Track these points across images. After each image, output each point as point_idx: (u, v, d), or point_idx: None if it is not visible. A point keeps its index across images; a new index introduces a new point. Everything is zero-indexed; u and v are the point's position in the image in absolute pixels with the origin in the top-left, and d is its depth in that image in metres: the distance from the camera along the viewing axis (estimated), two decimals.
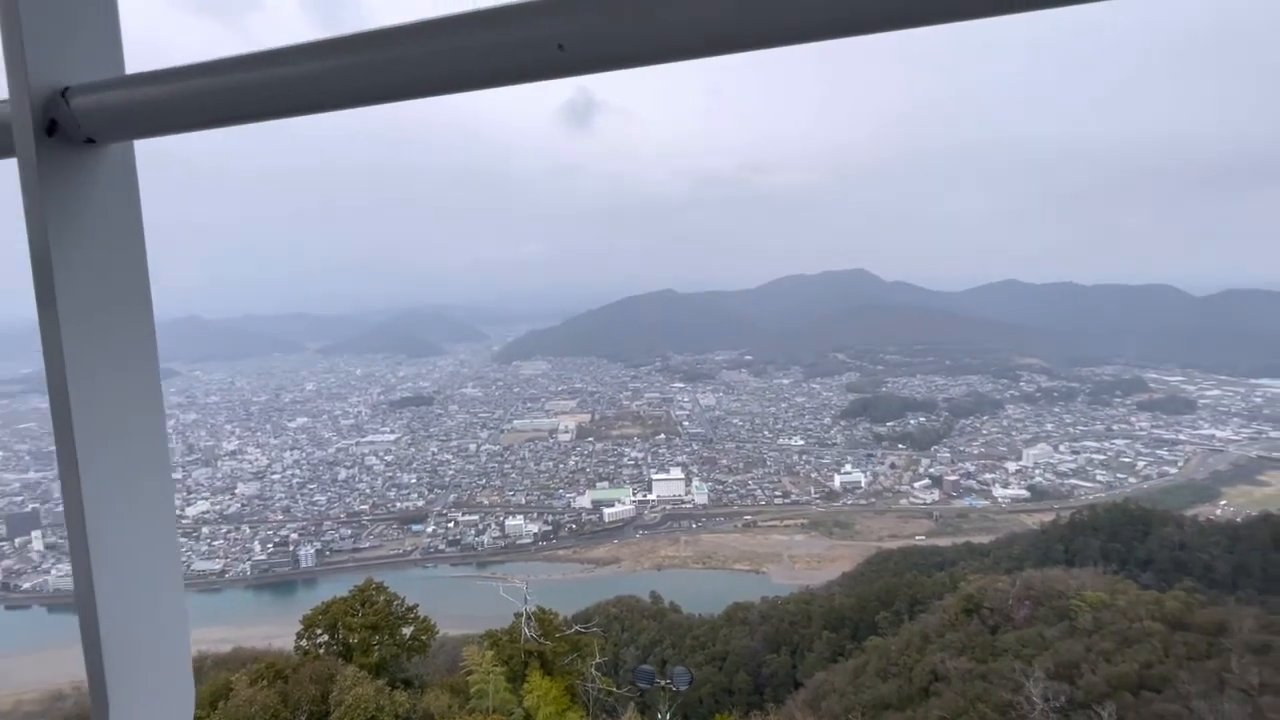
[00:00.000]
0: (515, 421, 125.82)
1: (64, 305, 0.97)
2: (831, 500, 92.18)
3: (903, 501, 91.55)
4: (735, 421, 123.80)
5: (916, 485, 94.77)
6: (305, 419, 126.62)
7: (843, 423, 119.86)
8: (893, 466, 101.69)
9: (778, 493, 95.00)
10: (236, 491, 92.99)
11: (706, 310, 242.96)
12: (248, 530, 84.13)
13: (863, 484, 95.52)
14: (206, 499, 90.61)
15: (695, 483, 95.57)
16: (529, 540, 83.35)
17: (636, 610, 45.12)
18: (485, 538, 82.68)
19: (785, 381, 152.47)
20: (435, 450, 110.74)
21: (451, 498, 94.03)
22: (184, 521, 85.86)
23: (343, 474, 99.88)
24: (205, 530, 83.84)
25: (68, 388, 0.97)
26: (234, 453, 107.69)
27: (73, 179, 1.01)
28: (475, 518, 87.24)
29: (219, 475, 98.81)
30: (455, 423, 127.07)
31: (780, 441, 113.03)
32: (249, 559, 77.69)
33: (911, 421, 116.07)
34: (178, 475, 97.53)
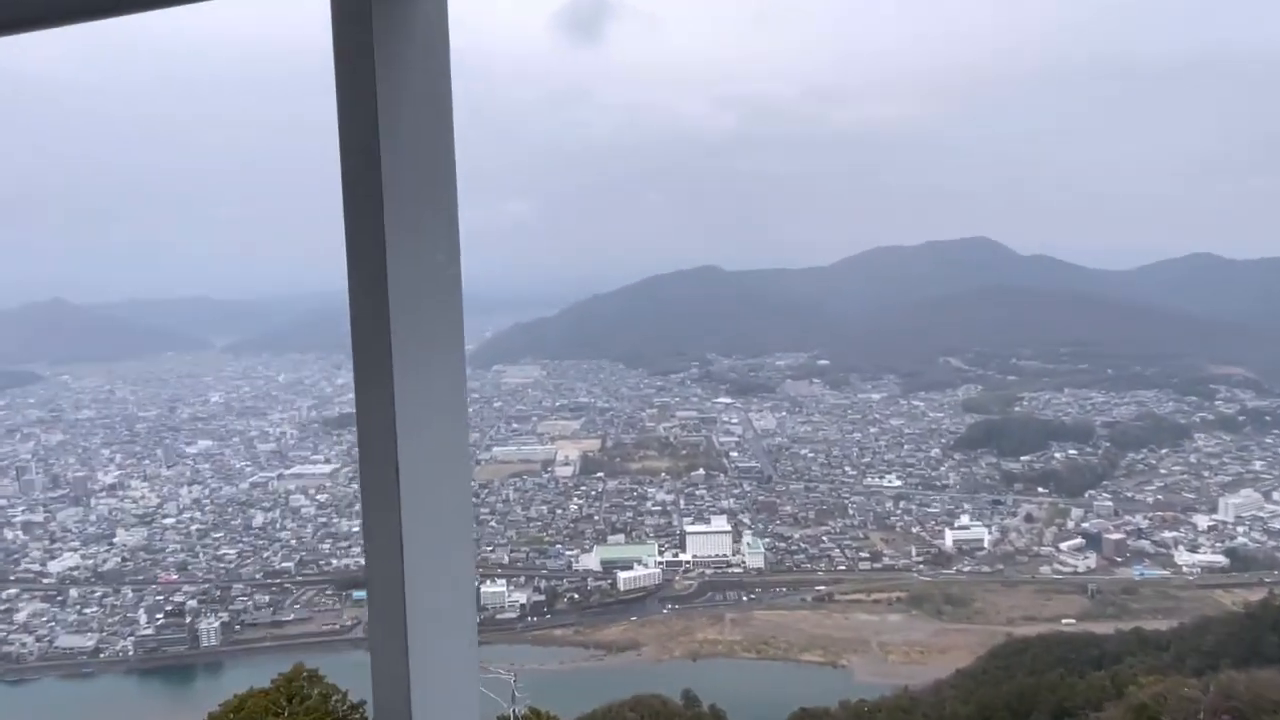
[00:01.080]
0: (495, 449, 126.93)
1: None
2: (941, 565, 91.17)
3: (1044, 569, 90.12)
4: (804, 453, 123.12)
5: (1064, 546, 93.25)
6: (209, 442, 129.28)
7: (957, 456, 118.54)
8: (1029, 520, 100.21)
9: (864, 554, 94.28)
10: (116, 540, 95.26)
11: (764, 296, 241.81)
12: (130, 594, 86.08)
13: (986, 544, 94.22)
14: (76, 550, 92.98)
15: (747, 538, 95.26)
16: (514, 614, 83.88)
17: (663, 715, 45.13)
18: None
19: (875, 396, 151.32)
20: None
21: None
22: (45, 580, 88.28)
23: (259, 519, 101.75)
24: (74, 593, 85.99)
25: None
26: (113, 487, 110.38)
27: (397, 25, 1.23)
28: None
29: (92, 518, 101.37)
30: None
31: (868, 481, 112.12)
32: (132, 634, 79.49)
33: (1057, 455, 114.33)
34: (36, 517, 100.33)
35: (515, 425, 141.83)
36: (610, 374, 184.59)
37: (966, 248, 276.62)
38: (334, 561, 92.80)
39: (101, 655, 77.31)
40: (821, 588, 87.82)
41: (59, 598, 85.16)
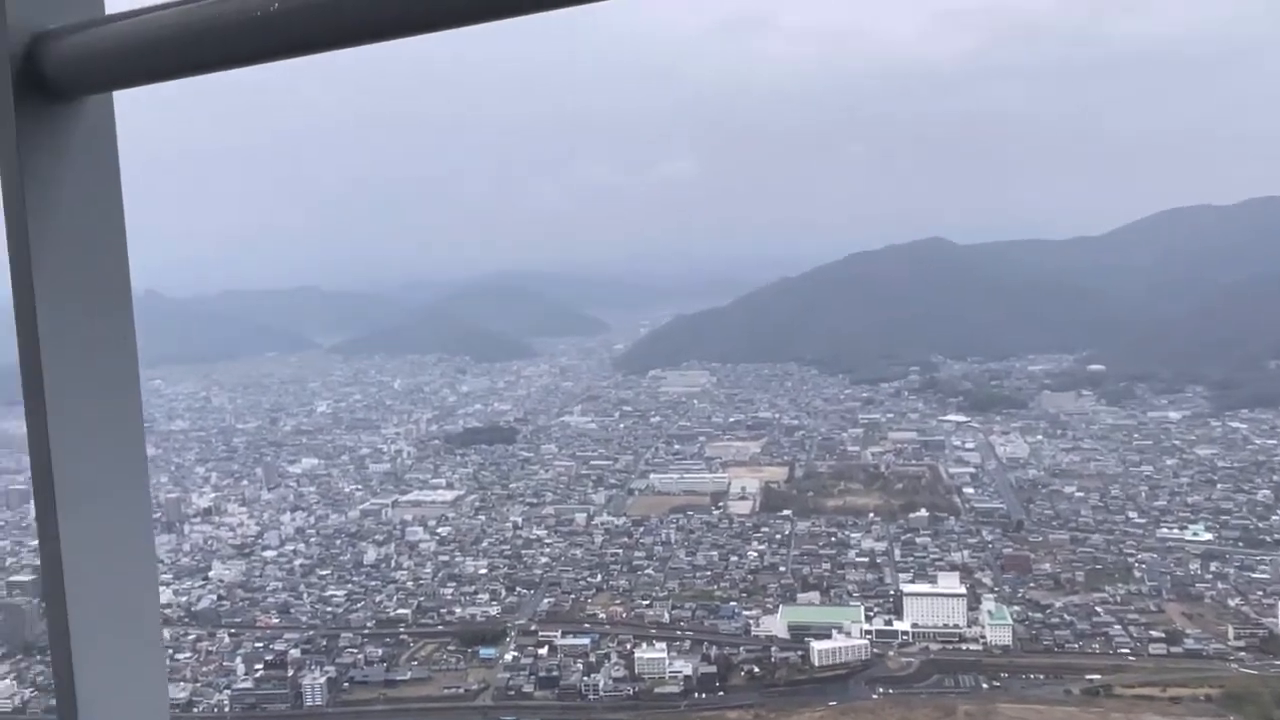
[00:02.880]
0: (653, 476, 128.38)
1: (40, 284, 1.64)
2: (1273, 654, 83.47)
3: None
4: (1069, 491, 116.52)
5: None
6: (314, 460, 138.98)
7: None
8: None
9: (1156, 632, 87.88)
10: (211, 575, 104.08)
11: (1011, 277, 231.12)
12: (228, 640, 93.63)
13: None
14: (168, 583, 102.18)
15: (988, 605, 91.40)
16: (676, 687, 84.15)
17: None
18: (601, 678, 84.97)
19: (1174, 415, 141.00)
20: (519, 520, 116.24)
21: (544, 604, 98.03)
22: None
23: (371, 554, 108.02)
24: (166, 634, 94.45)
25: (43, 378, 1.69)
26: (208, 512, 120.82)
27: (56, 148, 1.57)
28: (584, 642, 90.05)
29: (185, 547, 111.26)
30: (551, 473, 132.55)
31: (1163, 533, 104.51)
32: (229, 686, 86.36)
33: None
34: None
35: (678, 447, 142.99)
36: (800, 381, 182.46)
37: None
38: (457, 610, 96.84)
39: (195, 709, 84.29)
40: (1095, 676, 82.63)
41: None
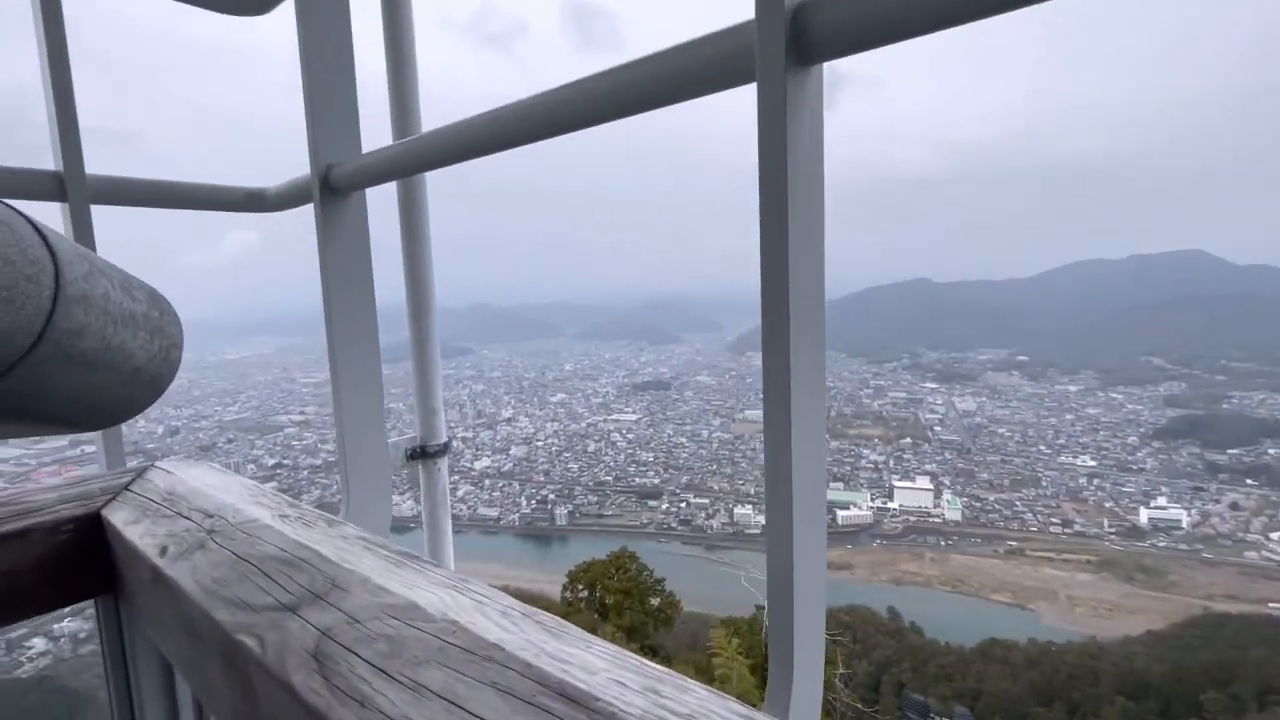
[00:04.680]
0: (747, 412, 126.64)
1: (335, 307, 1.72)
2: (1134, 539, 74.53)
3: (1249, 554, 69.97)
4: (1001, 431, 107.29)
5: (1275, 536, 71.51)
6: (563, 395, 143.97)
7: (1156, 444, 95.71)
8: (1235, 508, 78.16)
9: (1055, 519, 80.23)
10: (510, 453, 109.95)
11: (968, 303, 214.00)
12: (517, 486, 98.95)
13: (1184, 525, 75.31)
14: (489, 456, 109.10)
15: (947, 495, 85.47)
16: (757, 531, 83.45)
17: (870, 623, 42.31)
18: (715, 522, 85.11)
19: (1072, 389, 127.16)
20: (671, 433, 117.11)
21: (684, 479, 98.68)
22: (471, 473, 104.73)
23: (591, 446, 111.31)
24: (486, 482, 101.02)
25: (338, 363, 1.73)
26: (509, 419, 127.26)
27: (337, 218, 1.69)
28: (706, 501, 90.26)
29: (498, 437, 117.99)
30: (689, 408, 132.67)
31: (1062, 460, 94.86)
32: (517, 511, 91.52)
33: (1271, 452, 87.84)
34: (470, 435, 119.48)
35: (761, 396, 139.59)
36: (835, 361, 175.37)
37: (1177, 261, 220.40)
38: (636, 480, 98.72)
39: (500, 522, 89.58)
40: (1013, 543, 76.19)
41: (480, 484, 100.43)
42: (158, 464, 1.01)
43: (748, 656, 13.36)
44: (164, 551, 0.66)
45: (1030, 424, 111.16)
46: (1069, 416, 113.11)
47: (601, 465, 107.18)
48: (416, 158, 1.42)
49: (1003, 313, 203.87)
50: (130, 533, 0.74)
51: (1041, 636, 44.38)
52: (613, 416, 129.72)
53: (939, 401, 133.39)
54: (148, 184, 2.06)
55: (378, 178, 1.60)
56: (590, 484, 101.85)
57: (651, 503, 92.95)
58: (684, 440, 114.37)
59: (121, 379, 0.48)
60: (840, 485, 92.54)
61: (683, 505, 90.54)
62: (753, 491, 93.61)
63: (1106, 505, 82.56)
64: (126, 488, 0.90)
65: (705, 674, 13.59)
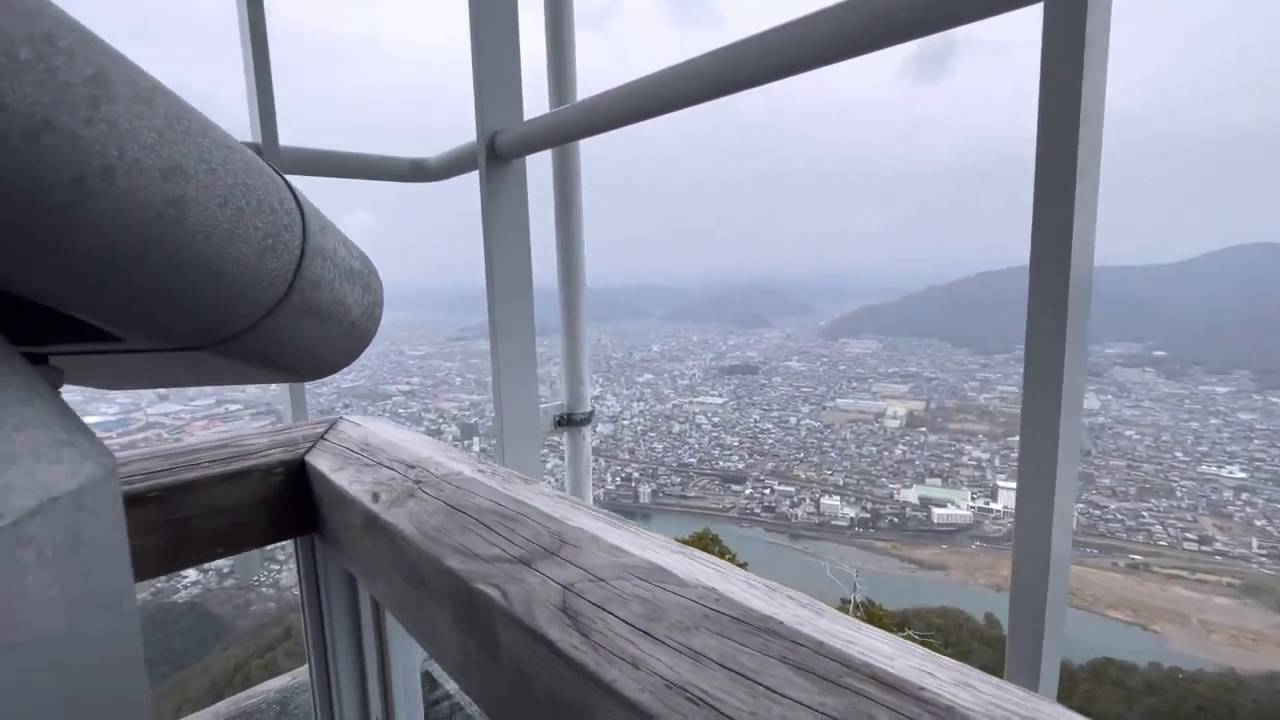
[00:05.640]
0: (839, 400, 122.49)
1: (496, 276, 1.78)
2: None
3: None
4: (1129, 434, 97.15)
5: None
6: (650, 376, 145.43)
7: None
8: None
9: (1190, 535, 71.92)
10: (598, 430, 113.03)
11: (1100, 291, 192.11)
12: (603, 463, 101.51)
13: None
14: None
15: None
16: (844, 523, 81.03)
17: (965, 629, 40.04)
18: (800, 511, 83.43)
19: (1221, 390, 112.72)
20: (757, 418, 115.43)
21: (769, 466, 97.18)
22: (559, 447, 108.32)
23: (676, 428, 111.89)
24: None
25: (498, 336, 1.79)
26: (597, 398, 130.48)
27: (501, 184, 1.77)
28: (791, 489, 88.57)
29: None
30: (777, 394, 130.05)
31: (1204, 469, 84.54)
32: (602, 487, 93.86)
33: None
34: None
35: (854, 384, 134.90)
36: (938, 351, 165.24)
37: None
38: (720, 463, 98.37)
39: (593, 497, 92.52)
40: (1137, 557, 69.18)
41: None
42: (345, 417, 1.07)
43: None
44: (376, 498, 0.69)
45: (1165, 427, 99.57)
46: (1215, 421, 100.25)
47: (685, 447, 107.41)
48: (577, 123, 1.47)
49: (1140, 303, 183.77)
50: (338, 478, 0.79)
51: (1166, 661, 40.25)
52: (699, 399, 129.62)
53: None
54: (325, 154, 2.20)
55: (540, 144, 1.67)
56: (674, 465, 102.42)
57: (735, 487, 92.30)
58: (770, 426, 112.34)
59: (342, 332, 0.51)
60: (937, 481, 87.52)
61: (767, 491, 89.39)
62: (841, 482, 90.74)
63: (1257, 524, 72.81)
64: (323, 437, 0.97)
65: None
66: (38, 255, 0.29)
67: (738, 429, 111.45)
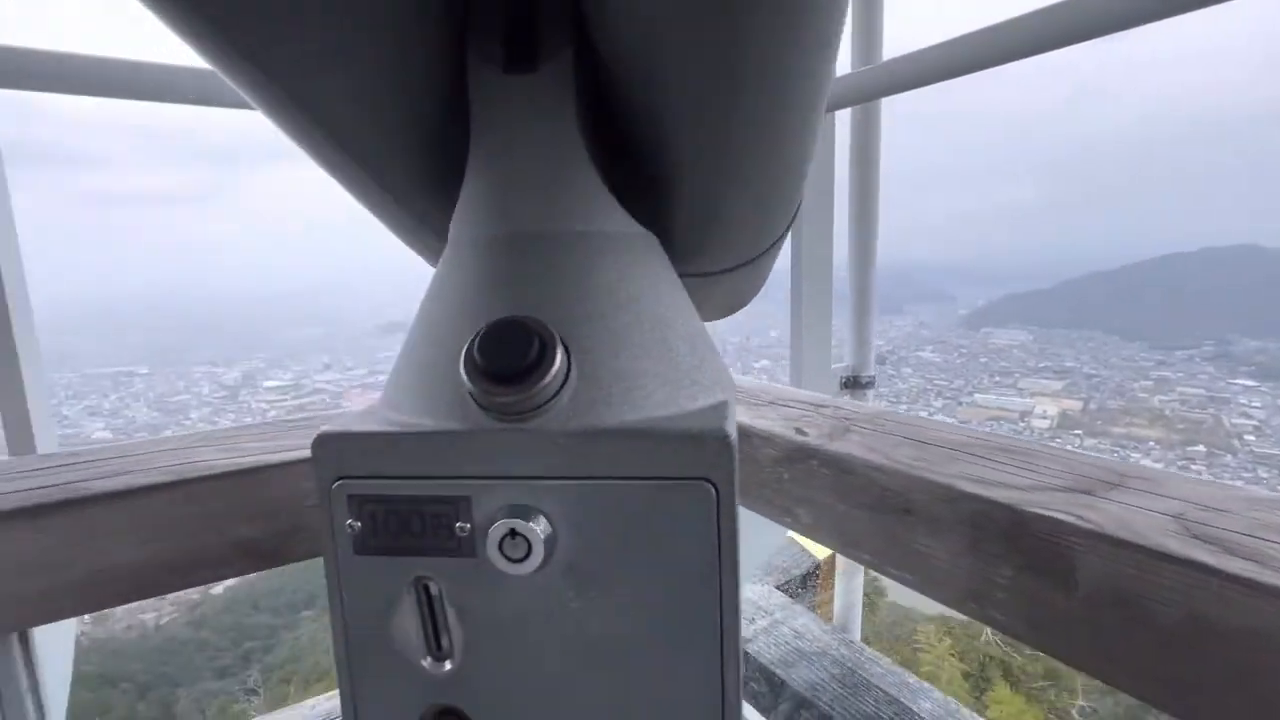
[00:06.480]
0: (978, 395, 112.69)
1: None
2: None
3: None
4: None
5: None
6: (767, 361, 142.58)
7: None
8: None
9: None
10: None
11: None
12: None
13: None
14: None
15: None
16: None
17: None
18: None
19: None
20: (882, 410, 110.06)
21: None
22: None
23: None
24: None
25: None
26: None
27: None
28: None
29: None
30: (906, 385, 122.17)
31: None
32: None
33: None
34: None
35: (998, 378, 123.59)
36: (1101, 344, 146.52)
37: None
38: None
39: None
40: None
41: None
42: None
43: (961, 661, 12.13)
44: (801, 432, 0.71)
45: None
46: None
47: None
48: (887, 80, 1.40)
49: None
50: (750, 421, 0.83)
51: None
52: None
53: (1257, 404, 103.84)
54: None
55: (844, 101, 1.60)
56: None
57: None
58: None
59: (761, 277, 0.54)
60: None
61: None
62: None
63: None
64: None
65: (910, 668, 12.65)
66: None
67: None
